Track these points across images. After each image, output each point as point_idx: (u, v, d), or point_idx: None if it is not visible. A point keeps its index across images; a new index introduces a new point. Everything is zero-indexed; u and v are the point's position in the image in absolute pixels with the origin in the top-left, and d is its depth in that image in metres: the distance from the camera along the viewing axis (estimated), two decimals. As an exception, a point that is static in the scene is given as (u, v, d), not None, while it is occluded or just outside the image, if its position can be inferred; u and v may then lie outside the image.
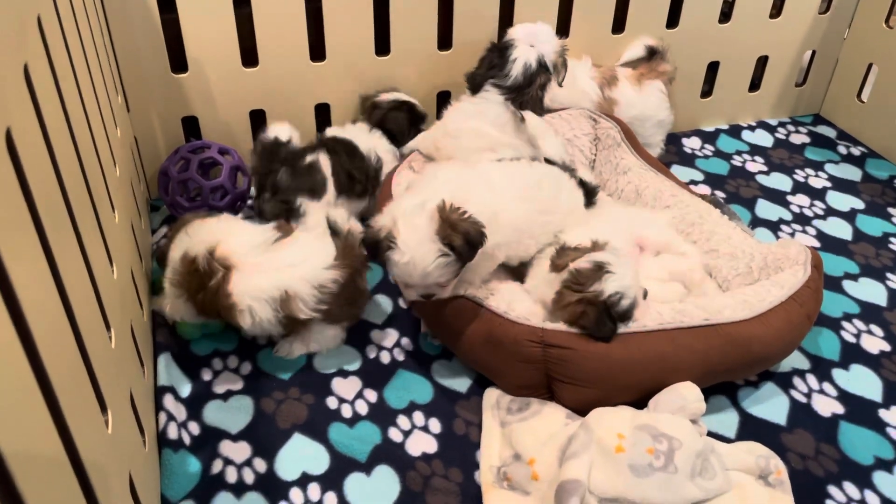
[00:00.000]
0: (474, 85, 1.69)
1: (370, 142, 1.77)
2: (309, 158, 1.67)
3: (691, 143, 2.20)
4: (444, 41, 1.90)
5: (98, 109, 1.28)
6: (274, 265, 1.33)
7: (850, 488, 1.25)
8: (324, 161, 1.67)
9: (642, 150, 1.87)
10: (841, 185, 2.04)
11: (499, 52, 1.67)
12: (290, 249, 1.36)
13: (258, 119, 1.87)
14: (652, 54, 2.00)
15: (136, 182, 1.66)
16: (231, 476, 1.23)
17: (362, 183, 1.72)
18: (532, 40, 1.68)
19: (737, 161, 2.13)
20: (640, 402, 1.29)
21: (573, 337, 1.26)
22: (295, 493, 1.20)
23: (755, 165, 2.12)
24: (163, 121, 1.79)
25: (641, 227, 1.58)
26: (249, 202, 1.84)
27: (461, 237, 1.22)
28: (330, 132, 1.80)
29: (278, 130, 1.68)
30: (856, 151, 2.18)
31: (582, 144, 1.90)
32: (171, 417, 1.28)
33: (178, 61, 1.74)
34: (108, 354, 0.97)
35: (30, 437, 0.60)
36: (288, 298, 1.31)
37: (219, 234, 1.36)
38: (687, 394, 1.25)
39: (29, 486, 0.55)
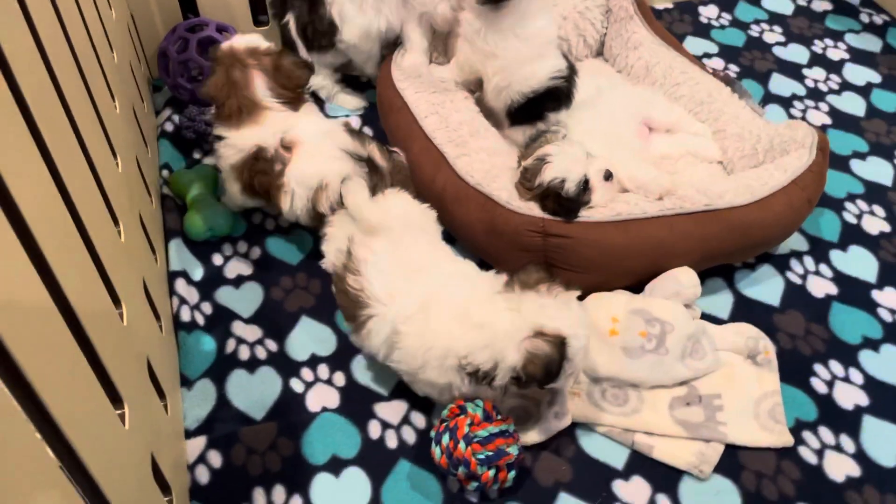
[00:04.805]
0: None
1: None
2: (286, 17, 1.69)
3: (708, 12, 2.11)
4: None
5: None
6: (325, 155, 1.30)
7: (836, 366, 1.30)
8: (292, 21, 1.69)
9: (655, 24, 1.80)
10: (859, 56, 1.97)
11: None
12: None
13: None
14: None
15: (136, 63, 1.64)
16: (244, 354, 1.30)
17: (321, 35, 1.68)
18: None
19: (754, 31, 2.05)
20: (637, 287, 1.33)
21: (573, 226, 1.28)
22: (305, 372, 1.28)
23: (773, 36, 2.04)
24: (159, -4, 1.74)
25: (648, 107, 1.56)
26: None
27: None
28: None
29: None
30: (878, 20, 2.08)
31: (593, 17, 1.83)
32: (183, 301, 1.33)
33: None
34: (118, 248, 1.01)
35: (46, 342, 0.64)
36: (321, 189, 1.29)
37: (292, 121, 1.34)
38: (683, 279, 1.28)
39: (49, 388, 0.59)
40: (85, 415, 0.70)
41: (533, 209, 1.31)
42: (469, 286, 1.13)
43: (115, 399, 0.83)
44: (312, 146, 1.30)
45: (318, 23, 1.66)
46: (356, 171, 1.26)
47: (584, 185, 1.30)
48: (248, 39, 1.38)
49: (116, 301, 0.93)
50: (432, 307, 1.09)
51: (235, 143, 1.34)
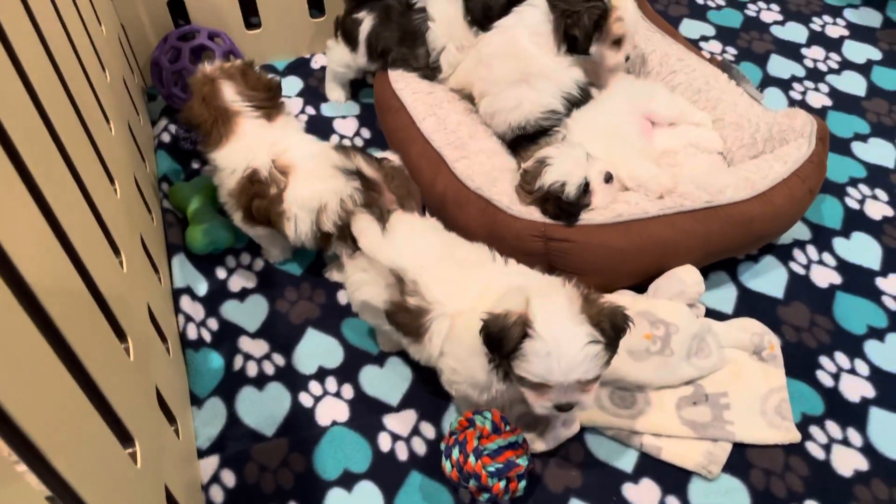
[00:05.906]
0: None
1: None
2: (360, 15, 1.63)
3: (703, -7, 2.08)
4: None
5: (76, 9, 1.23)
6: (319, 175, 1.29)
7: (841, 358, 1.31)
8: (366, 28, 1.62)
9: (649, 10, 1.78)
10: (859, 32, 1.95)
11: None
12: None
13: (246, -3, 1.78)
14: None
15: (129, 75, 1.63)
16: (252, 370, 1.31)
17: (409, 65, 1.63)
18: None
19: (751, 11, 2.03)
20: (641, 287, 1.33)
21: (575, 230, 1.27)
22: (314, 385, 1.28)
23: (770, 15, 2.01)
24: (148, 6, 1.72)
25: (649, 100, 1.54)
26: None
27: (607, 320, 1.01)
28: None
29: None
30: (878, -7, 2.06)
31: (586, 5, 1.81)
32: (189, 318, 1.34)
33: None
34: (119, 281, 1.00)
35: (50, 391, 0.64)
36: (321, 210, 1.28)
37: (282, 143, 1.32)
38: (686, 278, 1.28)
39: (52, 442, 0.60)
40: (93, 463, 0.71)
41: (534, 213, 1.30)
42: (523, 279, 1.12)
43: (126, 438, 0.83)
44: (307, 169, 1.29)
45: (411, 59, 1.60)
46: (351, 187, 1.25)
47: (585, 189, 1.29)
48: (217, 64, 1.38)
49: (122, 336, 0.93)
50: (485, 296, 1.08)
51: (225, 165, 1.32)
